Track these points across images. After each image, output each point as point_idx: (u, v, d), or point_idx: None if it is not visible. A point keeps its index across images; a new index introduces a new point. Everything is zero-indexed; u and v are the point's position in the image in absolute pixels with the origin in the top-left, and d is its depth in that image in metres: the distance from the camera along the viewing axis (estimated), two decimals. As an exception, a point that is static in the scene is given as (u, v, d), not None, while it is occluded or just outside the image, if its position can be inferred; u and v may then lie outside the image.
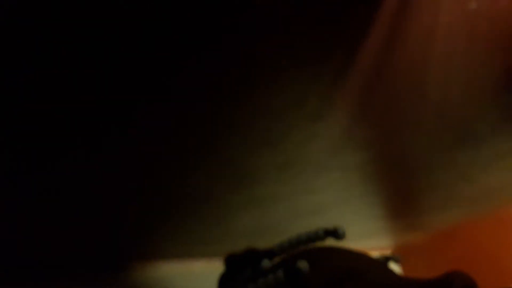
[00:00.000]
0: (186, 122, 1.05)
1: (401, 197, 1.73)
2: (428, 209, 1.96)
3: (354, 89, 1.06)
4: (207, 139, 1.12)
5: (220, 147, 1.15)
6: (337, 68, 1.01)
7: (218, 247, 1.68)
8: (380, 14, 1.01)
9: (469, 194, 1.89)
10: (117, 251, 1.52)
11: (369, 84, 1.07)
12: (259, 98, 1.01)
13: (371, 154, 1.26)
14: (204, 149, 1.14)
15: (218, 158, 1.19)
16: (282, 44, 0.92)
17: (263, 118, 1.06)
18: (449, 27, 1.08)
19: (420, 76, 1.13)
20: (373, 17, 0.99)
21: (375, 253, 1.03)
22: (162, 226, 1.46)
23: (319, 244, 0.99)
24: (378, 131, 1.20)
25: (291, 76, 0.97)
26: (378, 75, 1.07)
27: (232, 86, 0.98)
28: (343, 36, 0.97)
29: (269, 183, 1.27)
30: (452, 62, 1.14)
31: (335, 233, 0.75)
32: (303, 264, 0.67)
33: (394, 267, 1.09)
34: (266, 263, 0.82)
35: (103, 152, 1.04)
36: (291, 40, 0.93)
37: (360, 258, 0.80)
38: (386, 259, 0.94)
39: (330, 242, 1.00)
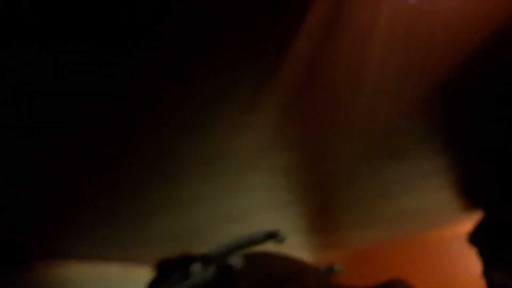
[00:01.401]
0: (100, 117, 0.98)
1: (322, 209, 1.71)
2: (347, 225, 1.96)
3: (285, 85, 1.03)
4: (121, 131, 1.05)
5: (135, 139, 1.08)
6: (269, 60, 0.97)
7: (134, 251, 1.59)
8: (316, 6, 0.98)
9: (388, 213, 1.90)
10: (20, 249, 1.40)
11: (301, 81, 1.04)
12: (180, 87, 0.96)
13: (297, 157, 1.23)
14: (118, 142, 1.07)
15: (133, 150, 1.12)
16: (207, 29, 0.87)
17: (184, 108, 1.00)
18: (387, 29, 1.07)
19: (353, 79, 1.11)
20: (309, 8, 0.96)
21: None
22: (72, 224, 1.37)
23: (259, 248, 0.93)
24: (306, 132, 1.17)
25: (218, 64, 0.92)
26: (311, 72, 1.03)
27: (146, 74, 0.92)
28: (277, 26, 0.94)
29: (190, 181, 1.21)
30: (386, 69, 1.13)
31: (276, 236, 0.71)
32: (235, 260, 0.62)
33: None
34: (196, 267, 0.76)
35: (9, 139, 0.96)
36: (218, 26, 0.88)
37: (298, 263, 0.76)
38: (330, 269, 0.90)
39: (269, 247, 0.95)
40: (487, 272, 1.87)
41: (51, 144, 1.02)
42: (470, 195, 1.89)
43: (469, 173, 1.71)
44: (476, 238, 1.81)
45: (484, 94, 1.28)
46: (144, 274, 1.67)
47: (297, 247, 2.05)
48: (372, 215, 1.84)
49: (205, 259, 0.93)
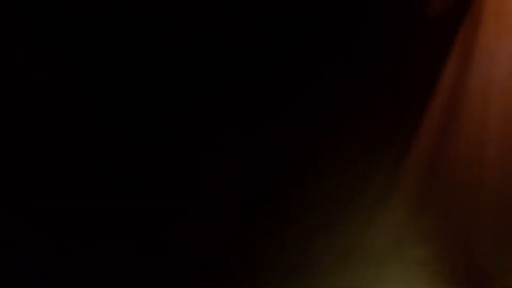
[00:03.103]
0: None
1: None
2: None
3: (413, 180, 1.10)
4: (264, 226, 1.12)
5: (276, 235, 1.15)
6: (394, 157, 1.06)
7: None
8: (432, 109, 1.08)
9: None
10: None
11: (427, 175, 1.11)
12: (314, 186, 1.04)
13: (433, 249, 1.25)
14: (263, 239, 1.14)
15: (274, 245, 1.18)
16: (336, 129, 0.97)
17: (318, 206, 1.08)
18: (499, 131, 1.14)
19: (475, 173, 1.17)
20: (425, 111, 1.06)
21: None
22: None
23: None
24: (439, 224, 1.20)
25: (348, 162, 1.01)
26: (435, 168, 1.11)
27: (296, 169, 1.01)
28: (397, 128, 1.03)
29: (327, 273, 1.24)
30: (504, 165, 1.18)
31: None
32: None
33: None
34: None
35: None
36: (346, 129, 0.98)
37: None
38: None
39: None
40: None
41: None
42: None
43: None
44: None
45: None
46: None
47: None
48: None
49: None
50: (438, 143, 1.19)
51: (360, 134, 1.16)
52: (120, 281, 1.08)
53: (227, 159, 1.16)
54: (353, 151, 1.15)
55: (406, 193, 1.16)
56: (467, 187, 1.20)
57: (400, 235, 1.18)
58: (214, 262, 1.20)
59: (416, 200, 1.18)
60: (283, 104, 1.15)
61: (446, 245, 1.23)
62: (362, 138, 1.16)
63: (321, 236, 1.18)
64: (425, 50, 1.25)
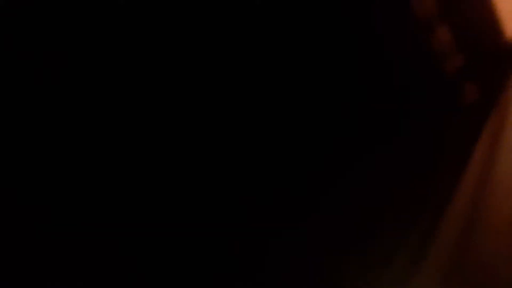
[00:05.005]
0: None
1: None
2: None
3: (443, 250, 1.14)
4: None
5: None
6: (425, 227, 1.11)
7: None
8: (463, 186, 1.14)
9: None
10: None
11: (456, 249, 1.14)
12: (350, 246, 1.11)
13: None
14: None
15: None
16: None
17: (353, 268, 1.14)
18: None
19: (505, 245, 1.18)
20: (456, 188, 1.11)
21: None
22: None
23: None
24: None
25: (384, 227, 1.08)
26: (465, 240, 1.14)
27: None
28: (429, 201, 1.09)
29: None
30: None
31: None
32: None
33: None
34: None
35: None
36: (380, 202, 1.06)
37: None
38: None
39: None
40: None
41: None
42: None
43: None
44: None
45: None
46: None
47: None
48: None
49: None
50: (469, 212, 1.22)
51: (390, 204, 1.22)
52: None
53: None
54: (385, 219, 1.21)
55: (437, 263, 1.21)
56: (499, 263, 1.22)
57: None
58: None
59: (446, 268, 1.22)
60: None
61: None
62: (392, 207, 1.22)
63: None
64: (457, 137, 1.30)
